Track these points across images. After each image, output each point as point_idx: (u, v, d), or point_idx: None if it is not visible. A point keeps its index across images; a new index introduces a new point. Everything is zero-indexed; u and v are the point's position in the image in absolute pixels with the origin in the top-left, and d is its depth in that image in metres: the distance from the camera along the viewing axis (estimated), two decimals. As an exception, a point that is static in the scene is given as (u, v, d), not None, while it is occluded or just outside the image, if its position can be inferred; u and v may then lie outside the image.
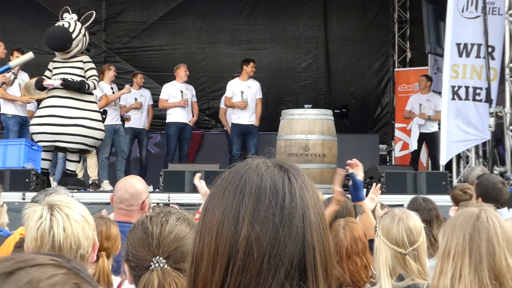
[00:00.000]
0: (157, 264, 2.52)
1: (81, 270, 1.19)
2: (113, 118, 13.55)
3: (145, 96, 14.63)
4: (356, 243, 4.43)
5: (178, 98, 14.02)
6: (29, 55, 11.61)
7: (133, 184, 4.86)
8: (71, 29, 11.33)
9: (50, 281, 1.14)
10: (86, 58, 11.67)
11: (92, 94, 11.75)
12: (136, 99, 14.47)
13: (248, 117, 13.79)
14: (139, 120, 14.42)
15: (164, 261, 2.53)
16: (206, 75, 17.88)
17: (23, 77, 12.79)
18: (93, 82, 11.50)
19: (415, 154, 14.44)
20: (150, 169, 14.27)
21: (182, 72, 14.18)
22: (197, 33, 18.26)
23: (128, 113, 14.21)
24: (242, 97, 13.78)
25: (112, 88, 13.89)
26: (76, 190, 11.26)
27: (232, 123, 14.01)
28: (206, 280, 1.46)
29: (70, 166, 11.86)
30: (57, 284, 1.14)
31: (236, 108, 13.84)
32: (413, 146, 14.14)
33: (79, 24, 11.49)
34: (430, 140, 14.24)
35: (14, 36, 17.23)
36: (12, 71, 12.02)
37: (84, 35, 11.51)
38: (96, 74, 11.67)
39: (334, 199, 4.83)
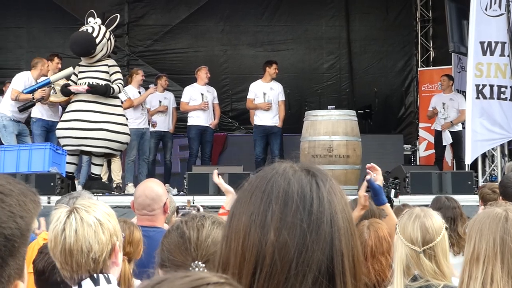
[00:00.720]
0: (196, 269, 2.51)
1: None
2: (140, 122, 13.62)
3: (169, 99, 14.65)
4: (381, 242, 4.41)
5: (199, 100, 14.01)
6: (69, 70, 11.67)
7: (152, 188, 4.87)
8: (94, 34, 11.31)
9: None
10: (111, 61, 11.66)
11: (117, 97, 11.74)
12: (160, 102, 14.50)
13: (271, 119, 13.75)
14: (163, 123, 14.44)
15: (203, 265, 2.52)
16: (228, 77, 17.89)
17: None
18: (118, 86, 11.47)
19: (440, 153, 14.36)
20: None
21: (203, 74, 14.17)
22: (219, 35, 18.27)
23: (153, 117, 14.23)
24: (265, 99, 13.74)
25: (139, 92, 13.92)
26: (100, 194, 11.29)
27: (254, 125, 13.96)
28: None
29: (95, 170, 11.89)
30: None
31: (259, 109, 13.80)
32: (447, 140, 14.00)
33: (103, 28, 11.44)
34: (454, 140, 14.15)
35: (38, 41, 17.35)
36: (52, 85, 12.09)
37: (109, 39, 11.48)
38: (121, 77, 11.65)
39: (359, 204, 4.81)
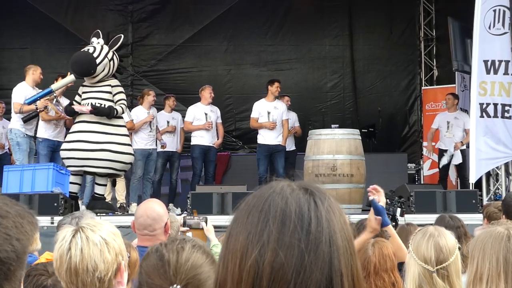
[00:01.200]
0: None
1: None
2: (147, 143, 13.65)
3: (177, 119, 14.69)
4: (385, 259, 4.39)
5: (203, 120, 14.04)
6: (71, 77, 11.67)
7: (153, 208, 4.86)
8: (95, 54, 11.31)
9: None
10: (114, 82, 11.63)
11: (121, 117, 11.73)
12: (168, 122, 14.54)
13: (275, 138, 13.74)
14: (171, 143, 14.48)
15: None
16: (232, 96, 17.90)
17: (64, 102, 12.83)
18: (121, 107, 11.46)
19: (443, 173, 14.32)
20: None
21: (206, 93, 14.20)
22: (223, 55, 18.30)
23: (162, 137, 14.26)
24: (269, 118, 13.74)
25: (148, 113, 13.93)
26: (104, 214, 11.28)
27: (258, 144, 13.94)
28: None
29: (99, 190, 11.89)
30: None
31: (264, 128, 13.79)
32: (458, 159, 13.99)
33: (106, 48, 11.45)
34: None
35: (42, 61, 17.34)
36: (54, 94, 12.09)
37: (111, 59, 11.45)
38: (125, 98, 11.64)
39: (369, 227, 4.78)
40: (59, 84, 11.94)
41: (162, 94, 17.31)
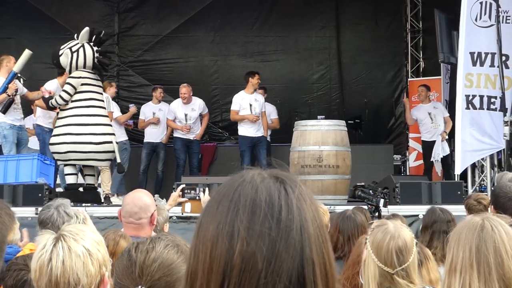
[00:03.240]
0: None
1: None
2: (120, 135, 13.80)
3: (163, 111, 14.73)
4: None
5: (183, 122, 14.31)
6: (26, 52, 11.91)
7: (141, 197, 4.86)
8: (61, 48, 11.70)
9: None
10: (75, 73, 11.71)
11: (100, 108, 11.84)
12: (154, 114, 14.55)
13: (258, 129, 13.76)
14: (156, 134, 14.51)
15: None
16: (219, 87, 17.87)
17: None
18: (56, 98, 11.68)
19: (429, 164, 14.37)
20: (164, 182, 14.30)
21: (181, 93, 14.39)
22: (210, 46, 18.25)
23: (146, 127, 14.36)
24: (252, 110, 13.72)
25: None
26: (89, 205, 11.26)
27: (240, 136, 13.91)
28: None
29: (90, 180, 12.07)
30: None
31: (245, 121, 13.79)
32: (446, 151, 14.06)
33: (74, 42, 11.66)
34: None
35: (28, 51, 17.27)
36: (19, 75, 12.09)
37: (76, 51, 11.58)
38: (66, 89, 11.68)
39: None
40: (19, 64, 12.06)
41: (148, 84, 17.30)
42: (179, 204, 6.87)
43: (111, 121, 13.16)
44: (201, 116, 14.61)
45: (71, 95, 11.67)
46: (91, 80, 11.75)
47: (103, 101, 12.06)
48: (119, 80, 17.86)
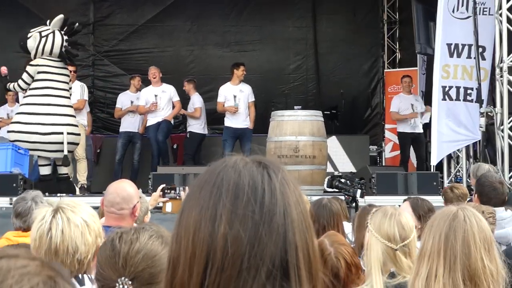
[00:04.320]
0: (121, 286, 2.40)
1: (58, 266, 1.16)
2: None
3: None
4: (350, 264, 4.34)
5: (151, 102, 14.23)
6: None
7: (125, 188, 4.82)
8: (30, 33, 11.56)
9: (21, 270, 1.11)
10: (37, 61, 11.59)
11: (59, 97, 11.70)
12: (132, 102, 14.48)
13: (242, 121, 13.78)
14: (133, 124, 14.44)
15: (130, 282, 2.40)
16: (195, 77, 17.77)
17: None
18: (13, 84, 11.66)
19: (405, 156, 14.42)
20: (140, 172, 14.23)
21: (150, 76, 14.32)
22: (186, 35, 18.18)
23: (123, 116, 14.29)
24: (235, 102, 13.71)
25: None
26: (64, 195, 11.18)
27: (225, 126, 13.95)
28: (183, 284, 1.39)
29: (63, 170, 11.92)
30: (28, 274, 1.11)
31: (227, 112, 13.78)
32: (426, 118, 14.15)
33: (44, 27, 11.56)
34: (416, 141, 14.26)
35: (3, 40, 17.11)
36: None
37: (46, 36, 11.46)
38: (22, 77, 11.59)
39: None
40: None
41: (123, 74, 17.22)
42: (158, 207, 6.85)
43: (82, 108, 13.08)
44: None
45: (28, 84, 11.58)
46: (52, 68, 11.54)
47: (65, 89, 11.79)
48: (94, 70, 17.77)
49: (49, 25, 11.58)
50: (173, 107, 14.38)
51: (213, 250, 1.37)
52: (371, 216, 3.69)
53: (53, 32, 11.47)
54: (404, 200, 6.15)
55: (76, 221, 2.98)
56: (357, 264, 4.28)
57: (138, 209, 4.81)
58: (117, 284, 2.40)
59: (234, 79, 13.92)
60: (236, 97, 13.76)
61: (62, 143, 11.43)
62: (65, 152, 11.57)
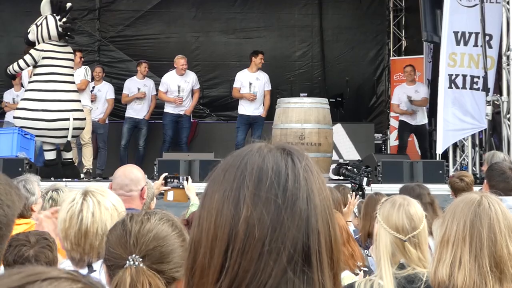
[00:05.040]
0: (132, 262, 2.42)
1: (97, 286, 1.13)
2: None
3: (148, 86, 14.68)
4: (340, 232, 4.37)
5: (175, 92, 14.14)
6: None
7: (132, 170, 4.87)
8: (29, 28, 11.79)
9: None
10: (38, 45, 11.67)
11: (64, 82, 11.75)
12: (139, 89, 14.49)
13: (256, 108, 13.85)
14: (140, 110, 14.47)
15: (140, 259, 2.42)
16: (200, 64, 17.77)
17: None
18: (12, 65, 11.78)
19: (402, 142, 14.38)
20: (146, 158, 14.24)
21: (178, 64, 14.21)
22: (191, 22, 18.15)
23: (130, 102, 14.30)
24: (251, 89, 13.75)
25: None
26: (69, 180, 11.21)
27: (239, 114, 14.04)
28: (204, 267, 1.40)
29: (66, 155, 11.95)
30: None
31: (244, 99, 13.81)
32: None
33: (40, 18, 11.66)
34: (418, 133, 14.22)
35: (7, 24, 17.12)
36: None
37: (40, 24, 11.59)
38: (24, 58, 11.66)
39: None
40: None
41: (129, 60, 17.22)
42: (161, 193, 6.85)
43: (84, 88, 13.08)
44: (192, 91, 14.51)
45: (27, 65, 11.68)
46: (55, 53, 11.62)
47: (70, 74, 11.88)
48: (100, 56, 17.75)
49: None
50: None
51: (235, 232, 1.38)
52: (380, 207, 3.67)
53: (45, 18, 11.56)
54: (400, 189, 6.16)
55: (106, 204, 3.07)
56: (348, 231, 4.32)
57: (146, 191, 4.83)
58: (127, 262, 2.42)
59: (252, 67, 14.03)
60: (252, 85, 13.84)
61: (68, 129, 11.46)
62: (69, 138, 11.61)
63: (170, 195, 6.81)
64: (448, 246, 2.76)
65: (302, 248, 1.38)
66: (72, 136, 11.72)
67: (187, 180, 6.47)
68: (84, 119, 12.01)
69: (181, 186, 6.46)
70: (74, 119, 11.48)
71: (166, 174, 6.69)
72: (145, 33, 18.00)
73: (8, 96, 14.51)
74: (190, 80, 14.28)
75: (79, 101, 11.94)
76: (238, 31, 18.11)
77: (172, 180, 6.54)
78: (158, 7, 17.91)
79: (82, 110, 11.91)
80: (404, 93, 14.22)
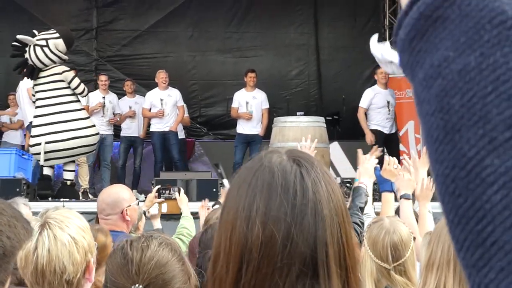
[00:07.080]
0: None
1: None
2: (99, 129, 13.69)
3: (139, 104, 14.57)
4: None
5: (158, 107, 14.00)
6: None
7: (110, 194, 4.81)
8: None
9: None
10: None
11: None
12: (130, 107, 14.47)
13: (253, 127, 13.91)
14: (133, 129, 14.44)
15: None
16: (197, 83, 17.83)
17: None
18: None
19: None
20: (142, 178, 14.26)
21: (158, 79, 14.16)
22: (188, 41, 18.21)
23: (123, 121, 14.26)
24: (247, 108, 13.82)
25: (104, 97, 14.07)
26: (67, 200, 11.23)
27: (237, 133, 14.10)
28: (222, 279, 1.47)
29: (69, 176, 12.03)
30: None
31: (241, 118, 13.90)
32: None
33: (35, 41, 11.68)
34: (389, 141, 13.82)
35: (5, 44, 17.08)
36: None
37: (35, 49, 11.64)
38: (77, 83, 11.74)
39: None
40: None
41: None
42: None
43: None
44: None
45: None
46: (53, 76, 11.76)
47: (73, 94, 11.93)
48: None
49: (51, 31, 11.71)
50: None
51: (248, 250, 1.44)
52: (368, 229, 3.64)
53: (39, 43, 11.65)
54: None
55: (63, 239, 2.77)
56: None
57: (128, 213, 4.71)
58: None
59: (247, 86, 14.13)
60: (248, 104, 13.91)
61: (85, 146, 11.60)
62: (41, 162, 11.52)
63: (164, 207, 6.87)
64: (433, 270, 2.75)
65: (310, 261, 1.44)
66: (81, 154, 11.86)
67: (179, 192, 6.51)
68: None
69: (173, 197, 6.50)
70: (46, 142, 11.34)
71: (159, 186, 6.74)
72: (142, 52, 18.06)
73: (4, 117, 14.54)
74: (173, 94, 14.15)
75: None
76: (234, 50, 18.17)
77: (164, 191, 6.59)
78: (155, 27, 17.98)
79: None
80: (383, 97, 13.72)
